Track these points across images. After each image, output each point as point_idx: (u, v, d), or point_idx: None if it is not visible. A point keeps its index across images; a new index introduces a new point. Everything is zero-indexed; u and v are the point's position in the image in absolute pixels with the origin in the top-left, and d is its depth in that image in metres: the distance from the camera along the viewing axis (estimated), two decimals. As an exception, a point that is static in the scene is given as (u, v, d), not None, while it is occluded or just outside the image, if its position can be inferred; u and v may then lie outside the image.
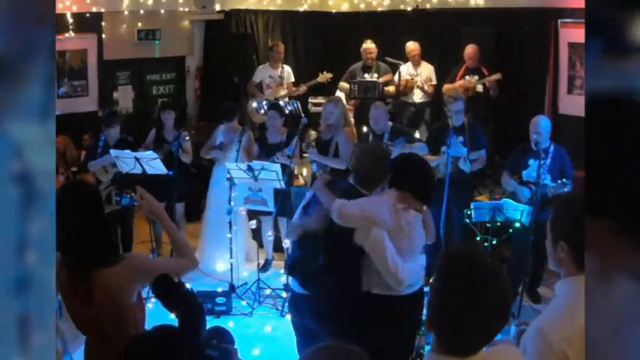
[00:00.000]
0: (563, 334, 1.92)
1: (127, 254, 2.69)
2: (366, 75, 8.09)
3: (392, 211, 3.35)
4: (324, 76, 8.36)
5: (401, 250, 3.38)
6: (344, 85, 8.22)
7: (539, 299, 5.71)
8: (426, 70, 8.11)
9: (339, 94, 8.37)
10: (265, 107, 7.73)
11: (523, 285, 5.37)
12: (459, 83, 7.48)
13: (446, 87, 7.60)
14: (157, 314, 3.02)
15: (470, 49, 7.44)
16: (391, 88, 7.99)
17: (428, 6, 8.62)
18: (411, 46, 8.09)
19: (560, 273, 2.12)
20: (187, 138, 6.26)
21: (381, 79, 8.01)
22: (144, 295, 2.91)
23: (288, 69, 8.48)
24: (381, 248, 3.30)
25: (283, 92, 8.30)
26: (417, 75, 8.09)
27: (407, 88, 8.08)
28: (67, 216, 2.54)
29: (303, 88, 8.37)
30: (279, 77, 8.36)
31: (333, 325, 3.34)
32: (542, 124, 5.43)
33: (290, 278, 3.93)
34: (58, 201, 2.54)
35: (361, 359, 1.57)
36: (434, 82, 8.06)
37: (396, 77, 7.98)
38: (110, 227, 2.76)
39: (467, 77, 7.49)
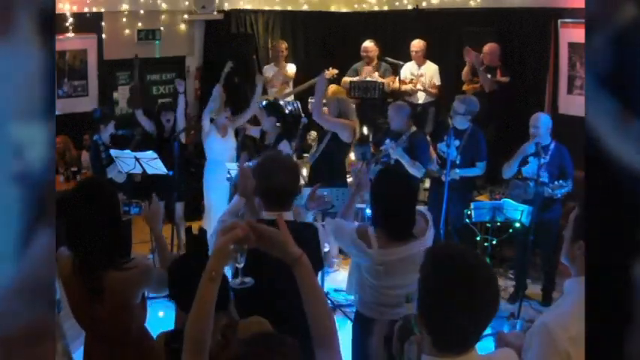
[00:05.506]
0: (568, 333, 1.92)
1: (136, 259, 2.72)
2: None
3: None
4: (330, 72, 8.27)
5: None
6: (347, 81, 8.19)
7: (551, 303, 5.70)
8: (430, 70, 8.04)
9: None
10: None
11: (522, 285, 5.38)
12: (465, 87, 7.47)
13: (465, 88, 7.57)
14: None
15: (486, 48, 7.34)
16: (396, 85, 7.94)
17: (424, 4, 8.60)
18: (416, 44, 8.01)
19: (570, 269, 2.13)
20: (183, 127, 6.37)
21: (384, 80, 7.97)
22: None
23: (292, 67, 8.47)
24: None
25: (288, 90, 8.28)
26: (422, 75, 8.05)
27: (409, 89, 8.05)
28: (84, 213, 2.58)
29: (290, 91, 8.33)
30: (282, 76, 8.36)
31: None
32: (541, 120, 5.44)
33: None
34: (76, 198, 2.60)
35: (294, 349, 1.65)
36: (436, 82, 8.03)
37: (396, 79, 7.95)
38: (123, 229, 2.85)
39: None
